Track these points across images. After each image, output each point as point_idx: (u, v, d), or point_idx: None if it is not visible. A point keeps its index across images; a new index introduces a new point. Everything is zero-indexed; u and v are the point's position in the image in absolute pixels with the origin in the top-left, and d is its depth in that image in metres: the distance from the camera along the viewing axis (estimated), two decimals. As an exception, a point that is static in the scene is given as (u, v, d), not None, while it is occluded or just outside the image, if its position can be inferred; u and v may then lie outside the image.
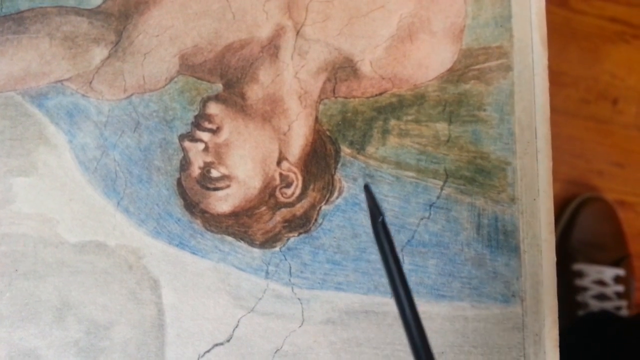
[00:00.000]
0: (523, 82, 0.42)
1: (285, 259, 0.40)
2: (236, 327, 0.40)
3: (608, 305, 0.92)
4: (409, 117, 0.42)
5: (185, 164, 0.41)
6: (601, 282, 0.93)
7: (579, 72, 1.06)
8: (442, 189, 0.41)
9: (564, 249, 0.97)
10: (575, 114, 1.06)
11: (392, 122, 0.41)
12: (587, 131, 1.06)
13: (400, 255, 0.40)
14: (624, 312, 0.92)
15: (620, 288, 0.93)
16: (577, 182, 1.04)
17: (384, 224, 0.39)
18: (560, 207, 1.02)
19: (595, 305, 0.92)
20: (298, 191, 0.41)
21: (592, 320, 0.90)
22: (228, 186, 0.41)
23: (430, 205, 0.41)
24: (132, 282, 0.40)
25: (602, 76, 1.07)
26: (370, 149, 0.41)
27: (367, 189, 0.40)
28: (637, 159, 1.05)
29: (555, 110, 1.08)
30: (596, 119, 1.06)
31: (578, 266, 0.94)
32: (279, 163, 0.41)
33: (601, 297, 0.92)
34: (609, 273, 0.93)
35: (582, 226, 0.97)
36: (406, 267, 0.40)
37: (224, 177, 0.41)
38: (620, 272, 0.94)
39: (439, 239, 0.41)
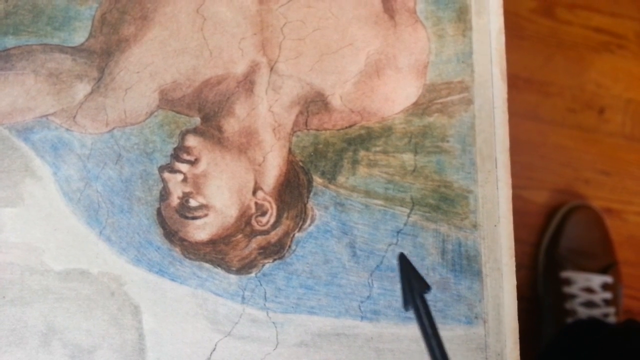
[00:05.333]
0: (483, 114, 0.43)
1: (261, 285, 0.42)
2: (213, 350, 0.41)
3: (596, 312, 0.92)
4: (377, 148, 0.43)
5: (164, 194, 0.43)
6: (589, 290, 0.93)
7: (565, 82, 1.07)
8: (408, 216, 0.43)
9: (552, 256, 0.98)
10: (562, 123, 1.07)
11: (362, 153, 0.43)
12: (573, 140, 1.06)
13: (369, 280, 0.42)
14: (612, 319, 0.92)
15: (608, 295, 0.93)
16: (564, 190, 1.04)
17: (423, 298, 0.36)
18: (547, 215, 1.02)
19: (583, 312, 0.92)
20: (272, 219, 0.43)
21: (581, 328, 0.89)
22: (206, 215, 0.43)
23: (398, 232, 0.43)
24: (114, 308, 0.41)
25: (588, 85, 1.07)
26: (340, 179, 0.43)
27: (402, 258, 0.39)
28: (624, 166, 1.05)
29: (542, 119, 1.09)
30: (582, 128, 1.07)
31: (566, 274, 0.94)
32: (254, 193, 0.43)
33: (589, 304, 0.92)
34: (596, 280, 0.93)
35: (570, 234, 0.97)
36: (375, 291, 0.42)
37: (202, 207, 0.43)
38: (608, 279, 0.94)
39: (406, 264, 0.42)
